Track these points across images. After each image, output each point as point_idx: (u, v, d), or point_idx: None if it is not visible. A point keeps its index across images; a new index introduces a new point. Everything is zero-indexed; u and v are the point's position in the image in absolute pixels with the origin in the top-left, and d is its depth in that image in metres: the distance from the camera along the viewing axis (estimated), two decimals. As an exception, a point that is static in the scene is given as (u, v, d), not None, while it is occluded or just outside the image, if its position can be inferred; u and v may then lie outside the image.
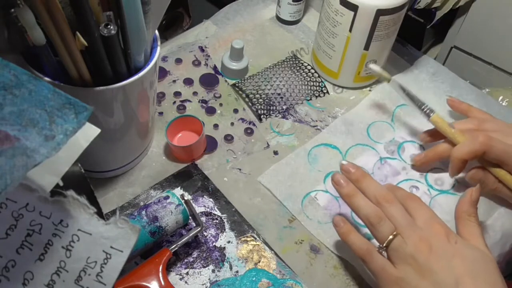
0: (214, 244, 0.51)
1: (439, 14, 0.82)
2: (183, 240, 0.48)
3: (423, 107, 0.57)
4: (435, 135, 0.59)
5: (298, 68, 0.68)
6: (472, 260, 0.45)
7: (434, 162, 0.59)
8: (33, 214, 0.34)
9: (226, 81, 0.66)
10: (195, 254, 0.50)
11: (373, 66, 0.61)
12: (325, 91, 0.66)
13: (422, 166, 0.59)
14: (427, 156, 0.58)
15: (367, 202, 0.48)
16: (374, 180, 0.50)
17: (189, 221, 0.49)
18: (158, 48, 0.47)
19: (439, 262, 0.44)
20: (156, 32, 0.47)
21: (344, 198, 0.49)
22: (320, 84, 0.66)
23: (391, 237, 0.46)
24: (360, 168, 0.51)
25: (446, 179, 0.58)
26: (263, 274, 0.49)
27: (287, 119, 0.63)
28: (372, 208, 0.47)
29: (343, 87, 0.67)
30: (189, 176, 0.56)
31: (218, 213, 0.53)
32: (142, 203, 0.53)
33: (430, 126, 0.63)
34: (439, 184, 0.58)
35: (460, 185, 0.58)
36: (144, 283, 0.44)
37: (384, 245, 0.46)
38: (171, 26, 0.92)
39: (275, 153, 0.59)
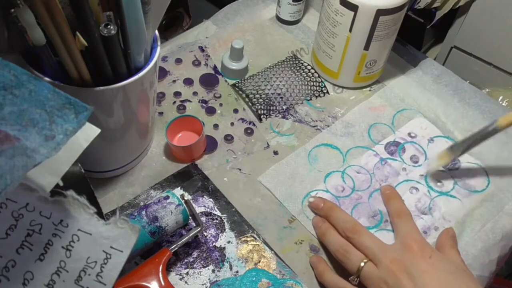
0: (214, 244, 0.51)
1: (439, 14, 0.82)
2: (183, 240, 0.48)
3: (485, 132, 0.55)
4: None
5: (298, 68, 0.67)
6: (445, 273, 0.45)
7: None
8: (33, 214, 0.34)
9: (226, 81, 0.66)
10: (195, 254, 0.50)
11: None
12: (325, 91, 0.66)
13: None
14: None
15: (336, 237, 0.50)
16: (342, 212, 0.52)
17: (189, 221, 0.49)
18: (158, 48, 0.47)
19: (410, 280, 0.44)
20: (156, 32, 0.47)
21: (320, 238, 0.52)
22: (320, 84, 0.66)
23: (362, 264, 0.46)
24: (328, 201, 0.54)
25: (446, 181, 0.58)
26: (263, 274, 0.49)
27: (287, 119, 0.63)
28: (339, 242, 0.49)
29: (343, 87, 0.67)
30: (189, 176, 0.56)
31: (218, 213, 0.53)
32: (142, 203, 0.53)
33: (429, 128, 0.63)
34: (439, 185, 0.58)
35: (460, 188, 0.58)
36: (144, 283, 0.44)
37: (356, 274, 0.47)
38: (171, 26, 0.92)
39: (275, 153, 0.59)
